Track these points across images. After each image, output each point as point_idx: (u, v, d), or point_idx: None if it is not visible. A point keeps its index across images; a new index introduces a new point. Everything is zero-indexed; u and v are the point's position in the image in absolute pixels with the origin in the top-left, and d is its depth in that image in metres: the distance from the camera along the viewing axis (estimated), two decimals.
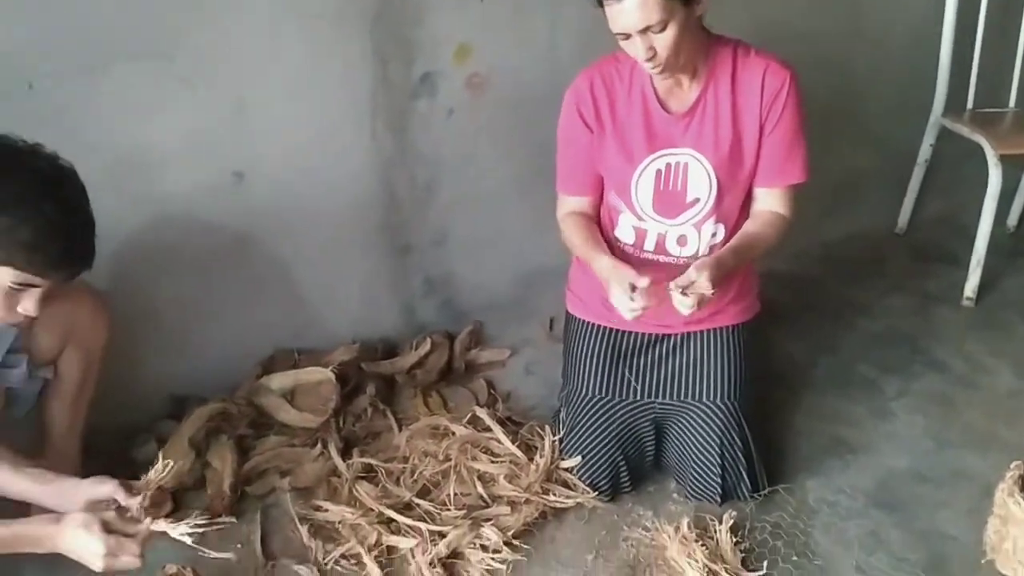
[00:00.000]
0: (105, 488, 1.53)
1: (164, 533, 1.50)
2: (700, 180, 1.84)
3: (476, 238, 2.44)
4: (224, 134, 2.01)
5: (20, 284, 1.43)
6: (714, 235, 1.90)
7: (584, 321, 2.06)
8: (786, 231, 1.88)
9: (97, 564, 1.45)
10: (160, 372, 2.17)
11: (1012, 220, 3.11)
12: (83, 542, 1.44)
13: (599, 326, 2.02)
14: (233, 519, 1.94)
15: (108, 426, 2.04)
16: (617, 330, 1.99)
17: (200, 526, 1.51)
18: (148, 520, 1.50)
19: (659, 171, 1.85)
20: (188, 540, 1.48)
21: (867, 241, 3.02)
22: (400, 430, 2.16)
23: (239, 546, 1.89)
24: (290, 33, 1.99)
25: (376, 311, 2.41)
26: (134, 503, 1.50)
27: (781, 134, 1.81)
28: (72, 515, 1.47)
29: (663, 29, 1.63)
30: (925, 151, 2.95)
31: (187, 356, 2.19)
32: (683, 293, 1.66)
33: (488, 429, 2.10)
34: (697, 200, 1.85)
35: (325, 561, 1.83)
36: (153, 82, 1.89)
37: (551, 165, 2.42)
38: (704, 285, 1.66)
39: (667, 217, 1.88)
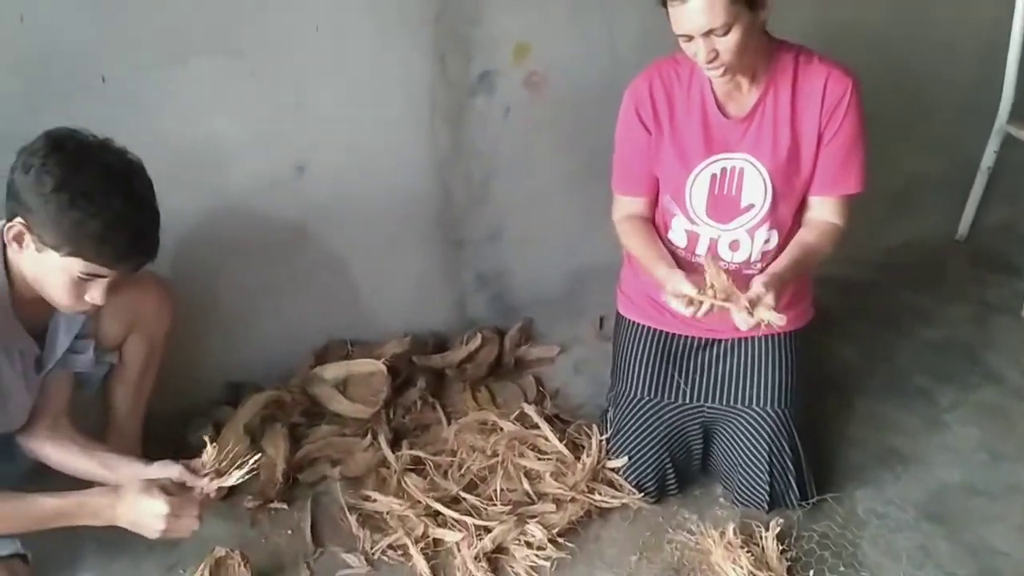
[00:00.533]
0: (172, 471, 1.58)
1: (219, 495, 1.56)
2: (755, 186, 1.83)
3: (529, 235, 2.45)
4: (287, 128, 2.04)
5: (88, 274, 1.48)
6: (767, 241, 1.88)
7: (634, 322, 2.06)
8: (840, 241, 1.86)
9: (158, 525, 1.51)
10: (217, 359, 2.22)
11: None
12: (144, 505, 1.51)
13: (649, 328, 2.02)
14: (284, 505, 1.98)
15: (166, 410, 2.10)
16: (667, 332, 1.99)
17: (251, 470, 1.58)
18: (205, 480, 1.55)
19: (714, 175, 1.85)
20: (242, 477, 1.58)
21: (926, 248, 2.96)
22: (449, 424, 2.19)
23: (289, 532, 1.94)
24: (353, 30, 2.02)
25: (428, 305, 2.43)
26: (200, 483, 1.55)
27: (840, 143, 1.78)
28: (130, 484, 1.52)
29: (727, 32, 1.62)
30: (988, 158, 2.89)
31: (244, 344, 2.24)
32: (748, 309, 1.63)
33: (536, 426, 2.12)
34: (751, 206, 1.84)
35: (372, 551, 1.87)
36: (221, 77, 1.93)
37: (605, 165, 2.42)
38: (769, 302, 1.64)
39: (720, 222, 1.87)
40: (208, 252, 2.09)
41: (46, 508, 1.51)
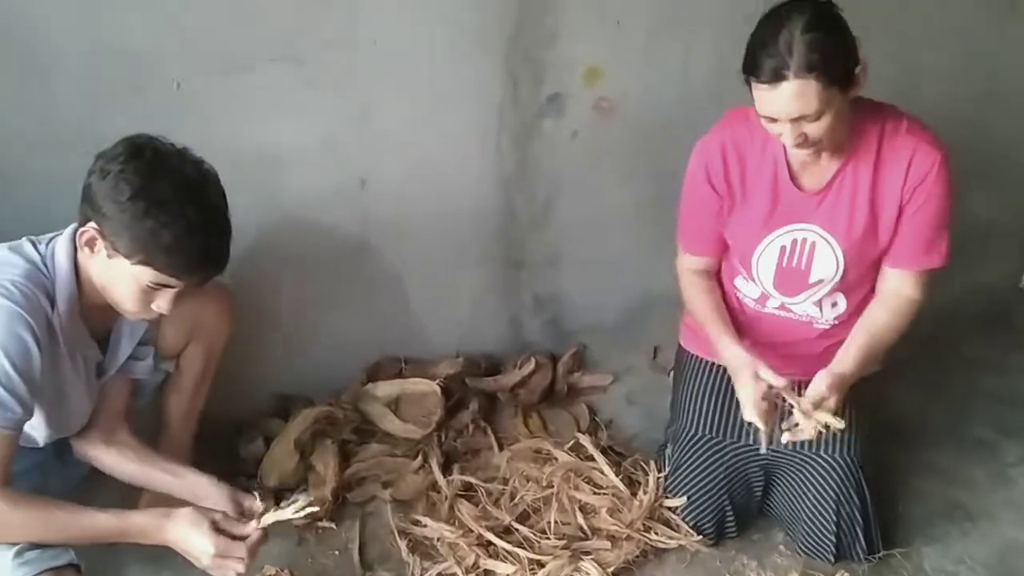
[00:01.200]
0: (224, 502, 1.57)
1: (268, 539, 1.51)
2: (826, 261, 1.75)
3: (588, 260, 2.41)
4: (352, 140, 2.02)
5: (157, 284, 1.45)
6: (835, 305, 1.83)
7: (698, 357, 2.01)
8: (917, 315, 1.77)
9: (204, 562, 1.47)
10: (268, 370, 2.20)
11: None
12: (194, 540, 1.46)
13: (714, 363, 1.96)
14: (332, 524, 1.94)
15: (215, 418, 2.07)
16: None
17: (306, 507, 1.52)
18: (255, 523, 1.51)
19: (783, 247, 1.77)
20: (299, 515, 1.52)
21: (990, 296, 2.87)
22: (500, 449, 2.14)
23: (336, 553, 1.90)
24: (426, 45, 2.00)
25: (482, 325, 2.40)
26: (247, 529, 1.51)
27: (923, 219, 1.69)
28: (182, 511, 1.49)
29: (818, 119, 1.55)
30: None
31: (296, 356, 2.21)
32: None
33: (591, 458, 2.07)
34: (820, 281, 1.78)
35: None
36: (290, 87, 1.91)
37: (669, 194, 2.37)
38: (831, 406, 1.61)
39: (787, 295, 1.82)
40: (268, 260, 2.07)
41: (99, 523, 1.46)
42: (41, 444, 1.62)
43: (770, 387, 1.67)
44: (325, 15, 1.89)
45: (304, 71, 1.91)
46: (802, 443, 1.81)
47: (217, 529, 1.48)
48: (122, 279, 1.45)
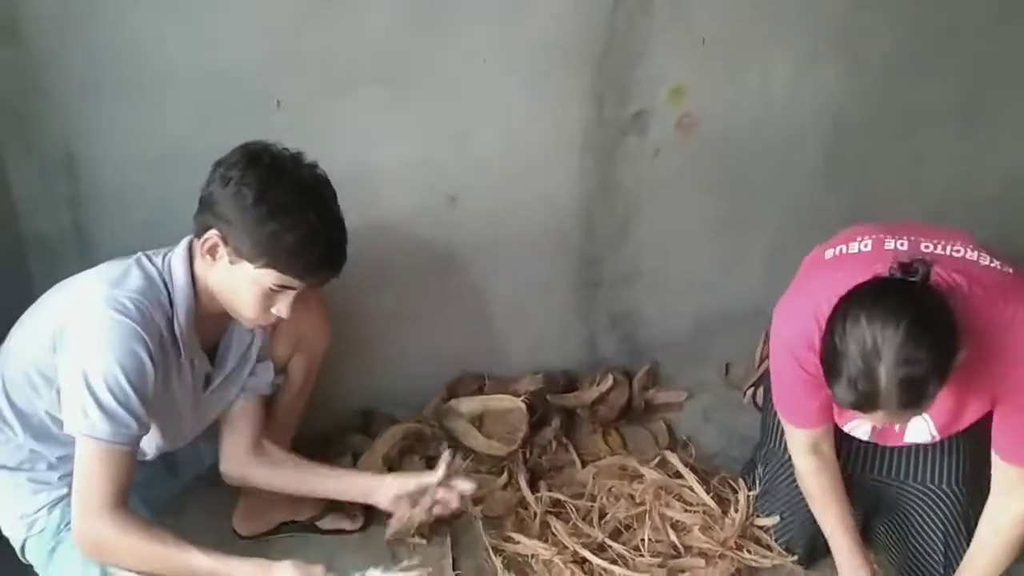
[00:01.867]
0: (409, 485, 1.71)
1: None
2: (919, 431, 1.69)
3: (664, 277, 2.41)
4: (444, 158, 2.04)
5: (279, 286, 1.48)
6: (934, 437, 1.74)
7: None
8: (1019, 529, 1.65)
9: None
10: (352, 385, 2.21)
11: None
12: None
13: None
14: (424, 540, 1.95)
15: (299, 433, 2.08)
16: None
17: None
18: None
19: (874, 426, 1.70)
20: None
21: None
22: (583, 466, 2.15)
23: (429, 570, 1.90)
24: (516, 67, 2.01)
25: (560, 342, 2.41)
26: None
27: (1017, 416, 1.57)
28: (283, 564, 1.49)
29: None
30: None
31: (379, 371, 2.23)
32: None
33: (677, 475, 2.07)
34: (915, 442, 1.73)
35: None
36: (386, 106, 1.94)
37: (748, 214, 2.41)
38: None
39: (884, 442, 1.77)
40: (357, 276, 2.06)
41: (201, 564, 1.46)
42: (150, 457, 1.64)
43: None
44: (424, 39, 1.91)
45: (402, 92, 1.94)
46: (909, 472, 1.82)
47: None
48: (244, 284, 1.47)
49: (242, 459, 1.76)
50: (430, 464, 2.08)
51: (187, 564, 1.44)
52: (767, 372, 2.04)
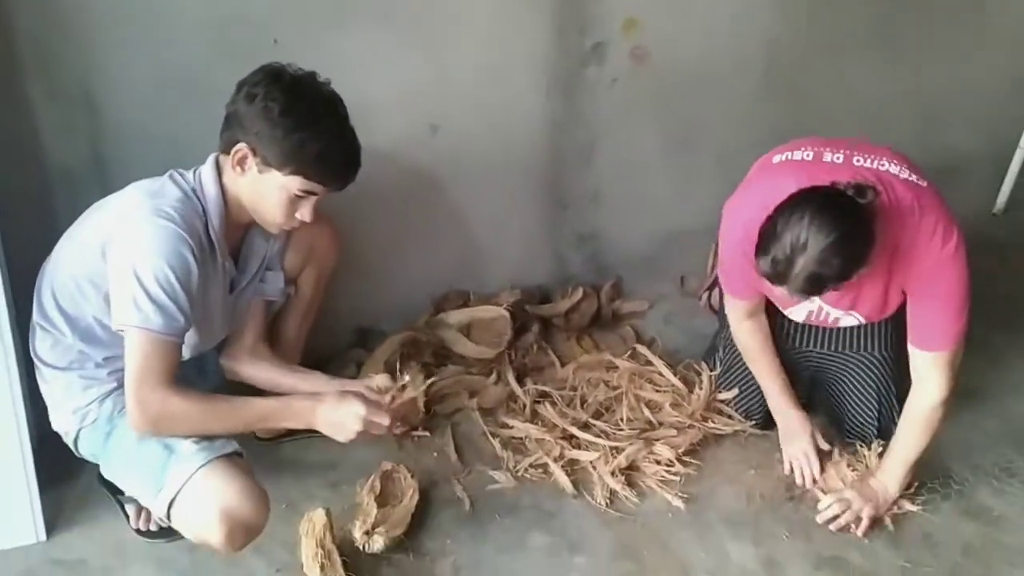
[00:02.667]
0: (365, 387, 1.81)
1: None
2: (849, 321, 2.00)
3: (624, 199, 2.66)
4: (426, 89, 2.25)
5: (304, 191, 1.66)
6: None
7: None
8: (945, 412, 1.90)
9: (356, 425, 1.69)
10: (346, 303, 2.39)
11: None
12: (345, 407, 1.70)
13: None
14: (427, 433, 2.18)
15: (304, 353, 2.28)
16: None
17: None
18: (388, 396, 1.79)
19: (810, 311, 2.00)
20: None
21: (968, 220, 3.17)
22: (562, 366, 2.39)
23: (435, 455, 2.14)
24: (489, 3, 2.23)
25: (533, 260, 2.64)
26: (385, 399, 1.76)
27: (929, 303, 1.83)
28: (330, 392, 1.73)
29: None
30: None
31: (373, 291, 2.43)
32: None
33: (648, 363, 2.33)
34: (846, 328, 2.04)
35: (516, 469, 2.07)
36: (375, 41, 2.14)
37: (697, 136, 2.66)
38: (864, 528, 1.92)
39: (820, 325, 2.07)
40: (348, 202, 2.26)
41: (257, 409, 1.68)
42: (187, 357, 1.82)
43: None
44: None
45: (390, 29, 2.14)
46: (845, 343, 2.10)
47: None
48: (272, 190, 1.66)
49: (239, 356, 1.94)
50: (425, 369, 2.31)
51: (247, 411, 1.65)
52: (718, 277, 2.31)
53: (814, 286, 1.66)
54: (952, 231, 1.78)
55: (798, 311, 2.01)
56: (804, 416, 2.10)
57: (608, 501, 2.00)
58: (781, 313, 2.08)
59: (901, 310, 1.99)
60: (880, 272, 1.81)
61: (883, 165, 1.82)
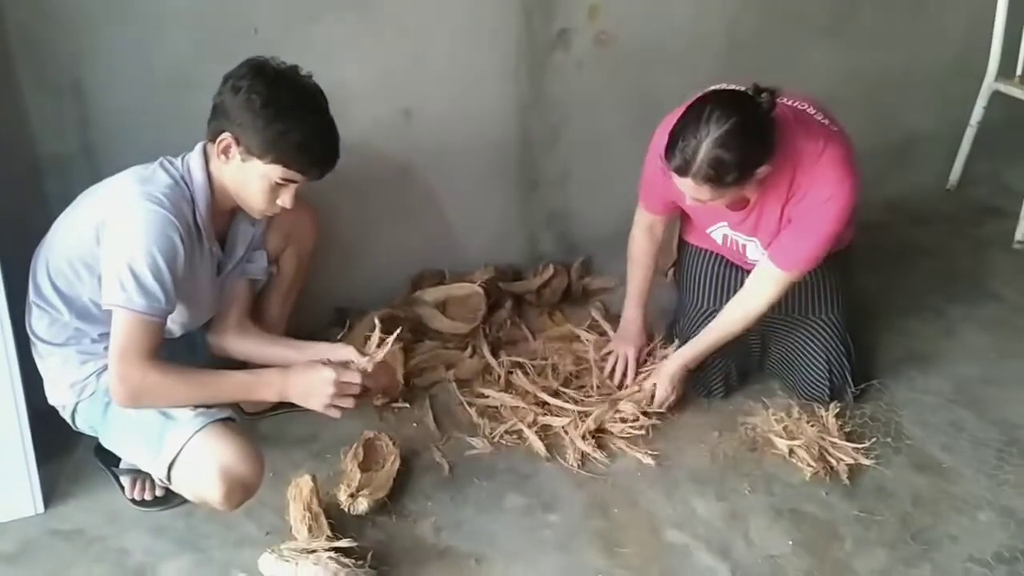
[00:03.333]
0: (344, 351, 1.87)
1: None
2: (755, 251, 2.14)
3: (591, 178, 2.77)
4: (400, 76, 2.34)
5: (284, 179, 1.75)
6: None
7: (697, 246, 2.39)
8: (757, 318, 2.13)
9: (327, 390, 1.78)
10: (328, 285, 2.48)
11: None
12: (314, 374, 1.79)
13: (709, 250, 2.35)
14: (406, 404, 2.28)
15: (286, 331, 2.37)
16: (725, 257, 2.32)
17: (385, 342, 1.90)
18: (366, 359, 1.85)
19: (725, 236, 2.17)
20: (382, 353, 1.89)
21: (923, 196, 3.34)
22: (534, 339, 2.50)
23: (415, 425, 2.24)
24: None
25: (505, 240, 2.74)
26: (364, 363, 1.84)
27: (805, 234, 2.00)
28: (298, 363, 1.81)
29: (712, 200, 1.91)
30: (977, 113, 3.27)
31: (351, 272, 2.52)
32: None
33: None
34: (755, 262, 2.15)
35: (492, 435, 2.18)
36: (351, 30, 2.23)
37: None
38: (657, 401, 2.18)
39: (736, 261, 2.23)
40: (324, 185, 2.35)
41: (232, 381, 1.78)
42: (176, 335, 1.91)
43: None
44: None
45: (365, 17, 2.24)
46: (794, 308, 2.24)
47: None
48: (254, 178, 1.74)
49: (225, 332, 2.02)
50: (405, 345, 2.41)
51: (223, 383, 1.75)
52: (679, 259, 2.44)
53: (716, 169, 1.80)
54: (846, 180, 1.94)
55: (716, 236, 2.19)
56: (643, 330, 2.34)
57: (580, 463, 2.11)
58: (736, 279, 2.23)
59: (839, 272, 2.22)
60: (777, 197, 1.99)
61: (803, 106, 2.00)
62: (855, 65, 3.01)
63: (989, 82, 3.19)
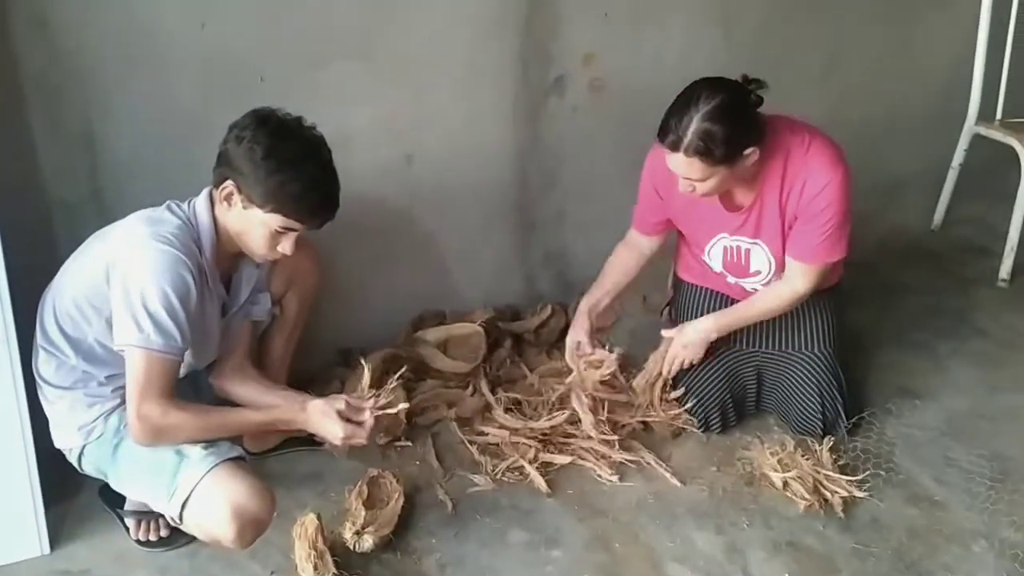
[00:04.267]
0: (338, 404, 1.90)
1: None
2: (760, 260, 2.22)
3: (587, 219, 2.84)
4: (402, 122, 2.42)
5: (284, 228, 1.79)
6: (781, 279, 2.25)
7: (692, 283, 2.45)
8: (795, 303, 2.20)
9: (336, 442, 1.85)
10: (328, 326, 2.52)
11: None
12: (326, 426, 1.84)
13: (705, 288, 2.42)
14: (409, 442, 2.32)
15: (290, 371, 2.41)
16: (723, 293, 2.38)
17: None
18: (370, 411, 1.88)
19: (726, 247, 2.24)
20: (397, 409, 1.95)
21: (910, 235, 3.43)
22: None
23: (417, 463, 2.27)
24: (459, 39, 2.41)
25: (503, 280, 2.80)
26: (365, 406, 1.90)
27: (815, 225, 2.07)
28: (314, 402, 1.86)
29: (704, 181, 1.99)
30: (959, 156, 3.37)
31: (354, 314, 2.56)
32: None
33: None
34: (759, 272, 2.24)
35: (494, 472, 2.21)
36: (356, 77, 2.30)
37: None
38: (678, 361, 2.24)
39: (737, 277, 2.29)
40: (329, 229, 2.40)
41: (251, 416, 1.84)
42: (181, 375, 1.93)
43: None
44: (386, 17, 2.30)
45: (369, 66, 2.31)
46: (787, 343, 2.31)
47: (342, 416, 1.84)
48: (255, 226, 1.79)
49: (227, 374, 2.04)
50: (406, 385, 2.44)
51: (243, 420, 1.81)
52: (675, 297, 2.50)
53: (705, 142, 1.90)
54: (839, 166, 2.04)
55: (716, 252, 2.24)
56: (586, 312, 2.37)
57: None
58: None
59: (830, 308, 2.30)
60: (773, 191, 2.08)
61: (786, 116, 2.12)
62: (842, 112, 3.09)
63: (970, 125, 3.29)
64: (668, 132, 1.94)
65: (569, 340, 2.36)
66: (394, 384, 1.97)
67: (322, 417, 1.85)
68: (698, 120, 1.90)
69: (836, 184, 2.04)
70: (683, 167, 1.96)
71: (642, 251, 2.38)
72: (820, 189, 2.04)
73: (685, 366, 2.29)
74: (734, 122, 1.92)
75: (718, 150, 1.91)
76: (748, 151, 1.96)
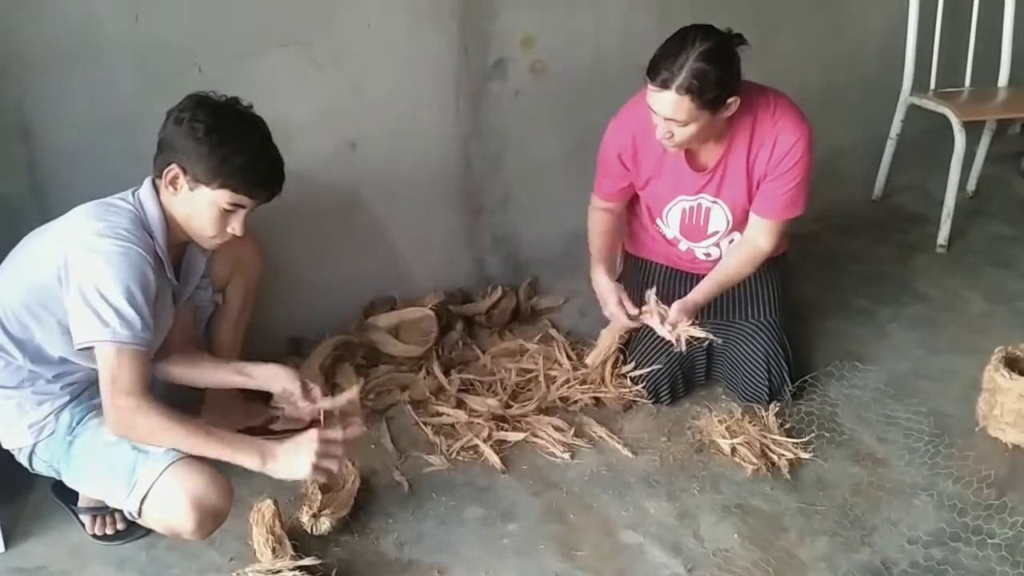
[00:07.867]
0: (289, 374, 1.92)
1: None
2: (719, 219, 2.28)
3: (533, 201, 2.87)
4: (344, 109, 2.42)
5: (232, 205, 1.79)
6: (732, 241, 2.33)
7: (642, 258, 2.50)
8: (759, 261, 2.26)
9: (312, 447, 1.73)
10: (279, 315, 2.53)
11: (970, 186, 3.62)
12: (298, 447, 1.74)
13: (655, 262, 2.46)
14: (364, 428, 2.31)
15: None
16: (671, 267, 2.43)
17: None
18: (340, 431, 1.82)
19: (684, 210, 2.30)
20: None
21: (850, 207, 3.50)
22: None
23: (373, 446, 2.29)
24: (398, 25, 2.42)
25: (453, 264, 2.82)
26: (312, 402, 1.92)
27: (782, 182, 2.16)
28: (280, 448, 1.75)
29: (685, 125, 2.03)
30: (896, 126, 3.45)
31: (303, 302, 2.57)
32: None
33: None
34: (716, 232, 2.30)
35: (449, 452, 2.24)
36: (294, 66, 2.31)
37: (594, 139, 2.85)
38: (684, 326, 2.15)
39: (692, 240, 2.35)
40: (274, 218, 2.38)
41: (221, 437, 1.72)
42: None
43: (640, 310, 2.24)
44: (323, 5, 2.29)
45: (308, 53, 2.31)
46: (735, 312, 2.36)
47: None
48: (203, 206, 1.78)
49: (175, 359, 2.01)
50: (358, 370, 2.46)
51: (214, 437, 1.71)
52: (625, 271, 2.54)
53: (699, 80, 1.93)
54: (804, 124, 2.13)
55: (674, 215, 2.30)
56: (613, 284, 2.34)
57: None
58: (681, 288, 2.34)
59: (776, 277, 2.36)
60: (740, 150, 2.14)
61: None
62: (779, 84, 3.15)
63: (905, 96, 3.37)
64: (660, 70, 1.96)
65: (615, 314, 2.30)
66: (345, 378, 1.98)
67: (291, 451, 1.75)
68: (693, 59, 1.93)
69: (804, 141, 2.12)
70: (670, 107, 1.98)
71: (612, 211, 2.42)
72: (790, 147, 2.11)
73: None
74: (727, 65, 1.97)
75: (709, 91, 1.95)
76: (731, 100, 2.01)
